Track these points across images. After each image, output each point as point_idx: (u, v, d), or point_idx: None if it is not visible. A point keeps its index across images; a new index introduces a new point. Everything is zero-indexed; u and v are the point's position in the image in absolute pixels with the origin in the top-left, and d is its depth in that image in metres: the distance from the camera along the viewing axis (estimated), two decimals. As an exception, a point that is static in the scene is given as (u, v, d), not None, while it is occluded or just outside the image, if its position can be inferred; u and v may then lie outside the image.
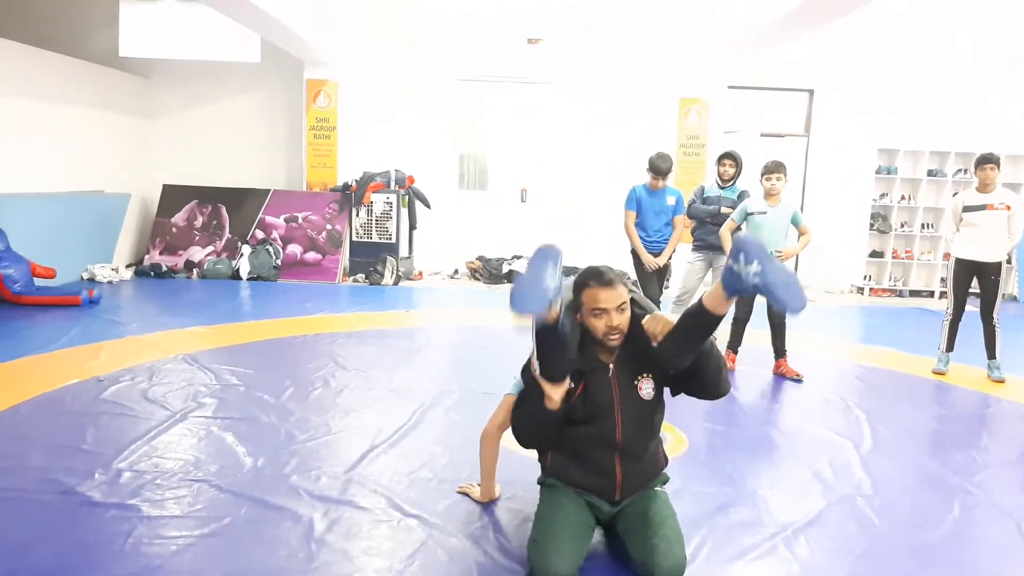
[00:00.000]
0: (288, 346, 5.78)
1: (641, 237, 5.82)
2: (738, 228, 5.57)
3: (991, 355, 5.57)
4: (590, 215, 9.92)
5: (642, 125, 9.75)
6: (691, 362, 2.50)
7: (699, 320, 2.44)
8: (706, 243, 5.95)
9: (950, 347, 5.67)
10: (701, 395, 2.63)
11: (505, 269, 9.94)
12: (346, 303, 7.92)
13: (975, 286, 5.57)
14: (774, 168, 5.39)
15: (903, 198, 10.08)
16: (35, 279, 7.18)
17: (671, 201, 5.80)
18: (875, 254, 10.19)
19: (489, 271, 9.96)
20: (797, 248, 5.48)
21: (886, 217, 10.11)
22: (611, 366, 2.60)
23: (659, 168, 5.73)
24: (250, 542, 2.70)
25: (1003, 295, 5.57)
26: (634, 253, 5.87)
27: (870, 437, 4.14)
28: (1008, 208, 5.41)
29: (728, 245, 5.54)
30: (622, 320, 2.54)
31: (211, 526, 2.80)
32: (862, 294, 10.19)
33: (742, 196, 5.87)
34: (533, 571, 2.45)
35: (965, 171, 9.84)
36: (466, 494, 3.14)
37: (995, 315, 5.52)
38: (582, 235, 10.08)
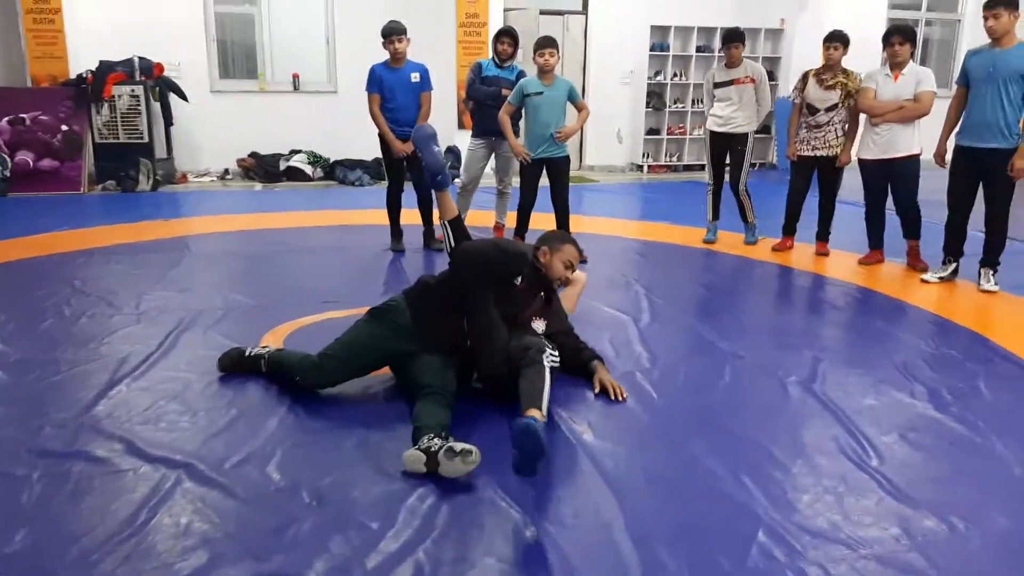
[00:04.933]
0: (10, 272, 4.90)
1: (391, 121, 5.36)
2: (516, 110, 5.35)
3: (744, 220, 5.92)
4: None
5: (420, 5, 9.11)
6: None
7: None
8: (487, 128, 5.69)
9: (715, 215, 5.95)
10: None
11: (282, 166, 9.19)
12: (92, 216, 6.92)
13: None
14: (546, 43, 5.17)
15: (676, 75, 10.39)
16: None
17: (415, 77, 5.41)
18: (652, 131, 10.52)
19: (264, 168, 9.15)
20: (576, 125, 5.37)
21: (660, 94, 10.40)
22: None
23: (389, 28, 5.28)
24: (-61, 522, 2.19)
25: (755, 164, 5.86)
26: (382, 139, 5.45)
27: (648, 311, 4.22)
28: (753, 81, 5.65)
29: (508, 130, 5.32)
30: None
31: None
32: (642, 172, 10.57)
33: (520, 76, 5.63)
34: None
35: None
36: None
37: (741, 184, 5.82)
38: (361, 123, 9.48)
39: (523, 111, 5.35)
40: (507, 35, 5.63)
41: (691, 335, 3.89)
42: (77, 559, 2.02)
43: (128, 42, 8.43)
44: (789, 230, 5.72)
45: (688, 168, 10.72)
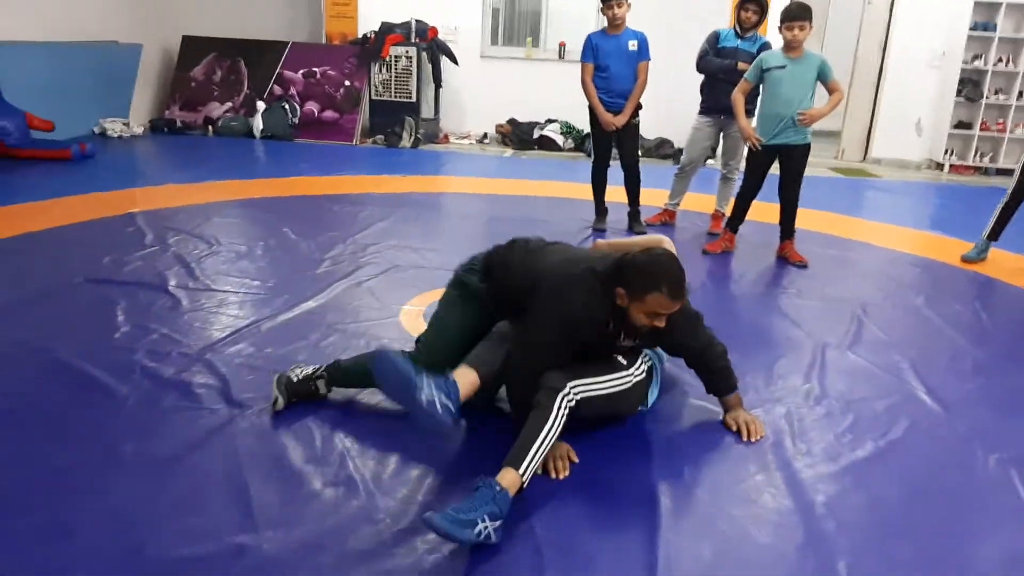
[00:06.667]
0: (259, 208, 5.43)
1: (603, 91, 5.04)
2: (754, 88, 4.69)
3: None
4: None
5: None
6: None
7: None
8: (717, 105, 5.11)
9: (994, 235, 4.77)
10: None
11: (536, 134, 9.22)
12: (351, 165, 7.46)
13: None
14: (796, 14, 4.39)
15: (1000, 61, 8.59)
16: (33, 132, 7.00)
17: (633, 46, 4.97)
18: (961, 125, 8.85)
19: (519, 136, 9.26)
20: (825, 109, 4.56)
21: (978, 83, 8.68)
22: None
23: None
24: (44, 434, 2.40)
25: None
26: (591, 111, 5.13)
27: (850, 337, 3.48)
28: None
29: (740, 110, 4.69)
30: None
31: None
32: (941, 170, 8.98)
33: (764, 50, 4.95)
34: None
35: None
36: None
37: None
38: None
39: (761, 89, 4.68)
40: (753, 1, 4.95)
41: (888, 375, 3.10)
42: (91, 485, 2.09)
43: (411, 5, 8.94)
44: (1095, 263, 4.42)
45: (1002, 172, 8.86)
